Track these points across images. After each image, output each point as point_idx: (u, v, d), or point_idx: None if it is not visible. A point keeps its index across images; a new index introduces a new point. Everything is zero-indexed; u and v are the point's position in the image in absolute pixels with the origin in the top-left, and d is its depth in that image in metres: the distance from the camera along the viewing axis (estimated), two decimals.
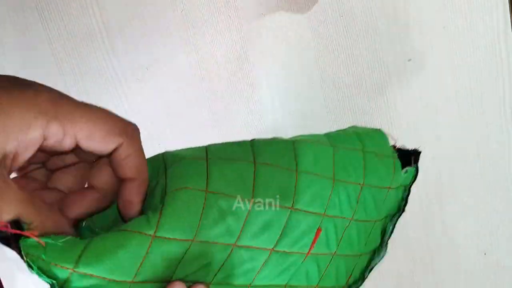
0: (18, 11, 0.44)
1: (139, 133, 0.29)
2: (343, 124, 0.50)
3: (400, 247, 0.54)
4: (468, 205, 0.54)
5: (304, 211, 0.33)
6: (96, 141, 0.27)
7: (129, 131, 0.28)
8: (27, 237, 0.25)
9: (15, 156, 0.26)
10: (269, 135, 0.49)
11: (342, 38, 0.48)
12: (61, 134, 0.26)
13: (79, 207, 0.29)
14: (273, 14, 0.47)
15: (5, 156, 0.25)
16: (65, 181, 0.30)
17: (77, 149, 0.28)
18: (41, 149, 0.27)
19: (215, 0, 0.46)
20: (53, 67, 0.46)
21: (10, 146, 0.25)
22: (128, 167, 0.28)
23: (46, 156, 0.30)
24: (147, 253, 0.27)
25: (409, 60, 0.49)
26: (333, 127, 0.50)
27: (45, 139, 0.26)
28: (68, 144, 0.27)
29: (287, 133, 0.49)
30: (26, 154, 0.26)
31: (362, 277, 0.40)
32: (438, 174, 0.53)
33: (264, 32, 0.47)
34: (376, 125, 0.50)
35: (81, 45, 0.46)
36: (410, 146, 0.45)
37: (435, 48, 0.49)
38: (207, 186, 0.29)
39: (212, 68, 0.47)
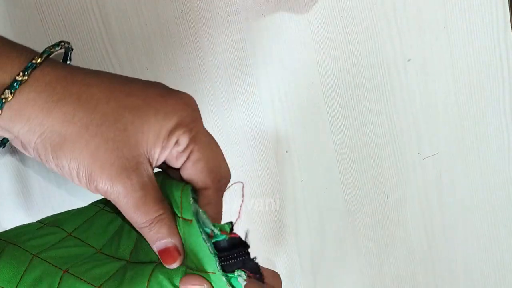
0: (18, 9, 0.44)
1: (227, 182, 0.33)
2: (343, 124, 0.50)
3: (400, 248, 0.54)
4: (468, 205, 0.54)
5: None
6: (199, 171, 0.31)
7: (223, 183, 0.32)
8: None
9: (158, 158, 0.29)
10: (269, 135, 0.49)
11: (342, 38, 0.48)
12: (183, 147, 0.30)
13: None
14: (273, 14, 0.47)
15: (151, 153, 0.29)
16: None
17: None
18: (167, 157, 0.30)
19: (215, 0, 0.46)
20: None
21: (157, 145, 0.29)
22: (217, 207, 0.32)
23: None
24: None
25: (409, 60, 0.49)
26: (332, 127, 0.50)
27: (176, 145, 0.30)
28: (180, 161, 0.30)
29: (287, 133, 0.50)
30: (163, 155, 0.30)
31: None
32: (438, 174, 0.53)
33: (264, 32, 0.47)
34: (376, 125, 0.51)
35: (81, 45, 0.46)
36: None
37: (435, 48, 0.49)
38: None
39: (212, 68, 0.47)
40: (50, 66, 0.28)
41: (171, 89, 0.31)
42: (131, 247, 0.34)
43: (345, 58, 0.49)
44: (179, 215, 0.31)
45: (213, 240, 0.30)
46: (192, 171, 0.31)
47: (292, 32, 0.47)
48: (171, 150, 0.30)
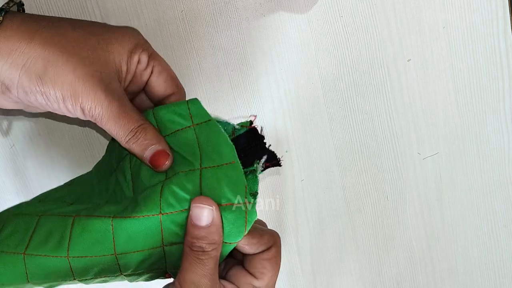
0: None
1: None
2: (343, 124, 0.50)
3: (400, 248, 0.54)
4: (468, 205, 0.54)
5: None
6: (163, 81, 0.36)
7: (180, 86, 0.38)
8: None
9: (126, 77, 0.34)
10: (269, 135, 0.49)
11: (342, 38, 0.48)
12: (145, 64, 0.35)
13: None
14: (273, 14, 0.47)
15: (119, 71, 0.33)
16: None
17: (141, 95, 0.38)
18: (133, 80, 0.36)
19: (215, 0, 0.46)
20: None
21: (123, 64, 0.33)
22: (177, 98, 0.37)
23: None
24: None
25: (409, 60, 0.49)
26: (332, 127, 0.50)
27: (138, 64, 0.35)
28: (145, 77, 0.35)
29: (287, 133, 0.50)
30: (129, 76, 0.35)
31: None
32: (438, 174, 0.53)
33: (264, 32, 0.47)
34: (376, 125, 0.51)
35: None
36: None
37: (435, 48, 0.49)
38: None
39: (212, 68, 0.47)
40: (16, 12, 0.33)
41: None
42: (131, 186, 0.35)
43: (345, 58, 0.49)
44: (189, 124, 0.34)
45: (236, 135, 0.34)
46: (158, 82, 0.36)
47: (292, 32, 0.47)
48: (136, 69, 0.35)
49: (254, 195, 0.34)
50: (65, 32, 0.32)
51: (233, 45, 0.47)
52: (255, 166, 0.34)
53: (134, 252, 0.33)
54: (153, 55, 0.35)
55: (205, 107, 0.48)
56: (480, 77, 0.51)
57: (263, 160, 0.34)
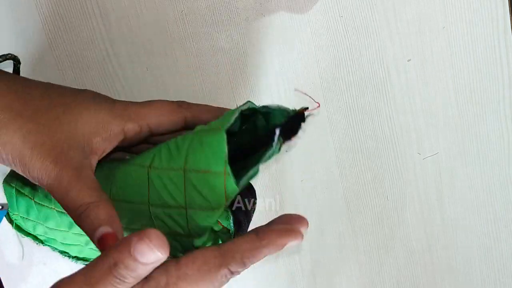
0: (18, 9, 0.44)
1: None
2: (343, 124, 0.50)
3: (399, 247, 0.54)
4: (468, 205, 0.54)
5: None
6: (166, 122, 0.34)
7: (183, 104, 0.35)
8: None
9: (103, 149, 0.32)
10: None
11: (342, 38, 0.48)
12: (138, 128, 0.33)
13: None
14: (273, 14, 0.47)
15: (90, 144, 0.31)
16: None
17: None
18: (126, 141, 0.33)
19: (215, 0, 0.46)
20: (53, 69, 0.46)
21: (96, 139, 0.31)
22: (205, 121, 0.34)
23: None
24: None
25: (409, 60, 0.49)
26: (332, 127, 0.50)
27: (125, 134, 0.33)
28: (145, 133, 0.33)
29: None
30: (110, 145, 0.32)
31: None
32: (438, 174, 0.53)
33: (264, 32, 0.47)
34: (376, 125, 0.51)
35: (81, 45, 0.46)
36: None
37: (435, 48, 0.49)
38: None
39: (212, 68, 0.47)
40: None
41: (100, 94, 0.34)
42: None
43: (345, 58, 0.49)
44: (237, 114, 0.33)
45: (287, 115, 0.33)
46: (164, 119, 0.34)
47: (292, 32, 0.47)
48: (129, 138, 0.33)
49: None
50: (29, 100, 0.30)
51: (233, 45, 0.47)
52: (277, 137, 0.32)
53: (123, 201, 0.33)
54: (141, 118, 0.33)
55: None
56: (480, 77, 0.51)
57: (277, 131, 0.32)
